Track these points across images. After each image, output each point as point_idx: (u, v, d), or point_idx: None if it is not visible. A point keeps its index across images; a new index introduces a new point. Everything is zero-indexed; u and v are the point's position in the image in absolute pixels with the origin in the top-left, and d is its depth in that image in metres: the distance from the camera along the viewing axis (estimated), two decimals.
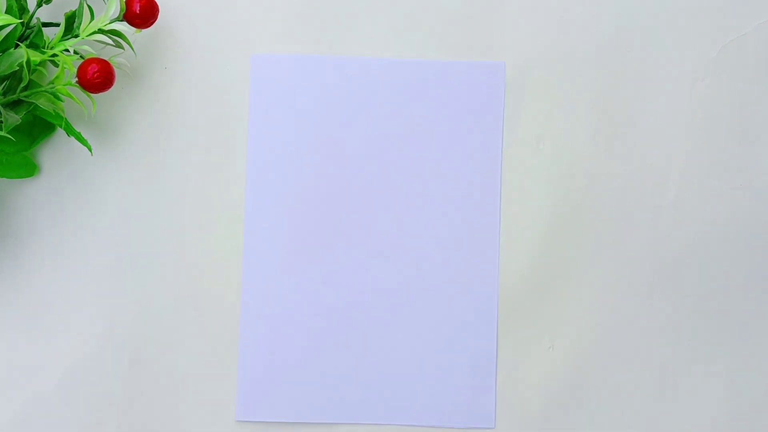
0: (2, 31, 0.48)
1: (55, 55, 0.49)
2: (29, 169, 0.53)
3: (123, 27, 0.50)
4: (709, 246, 0.55)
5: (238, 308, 0.54)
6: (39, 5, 0.51)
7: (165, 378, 0.54)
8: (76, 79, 0.49)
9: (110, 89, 0.49)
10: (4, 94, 0.48)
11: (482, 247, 0.55)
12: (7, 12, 0.48)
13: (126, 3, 0.50)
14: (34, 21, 0.50)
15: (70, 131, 0.50)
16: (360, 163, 0.55)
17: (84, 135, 0.52)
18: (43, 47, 0.49)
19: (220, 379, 0.54)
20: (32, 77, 0.49)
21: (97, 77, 0.49)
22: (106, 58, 0.49)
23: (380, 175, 0.55)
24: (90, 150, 0.51)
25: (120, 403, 0.54)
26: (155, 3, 0.51)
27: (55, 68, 0.51)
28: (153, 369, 0.54)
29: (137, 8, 0.50)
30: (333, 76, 0.55)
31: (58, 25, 0.51)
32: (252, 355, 0.54)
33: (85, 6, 0.49)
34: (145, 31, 0.52)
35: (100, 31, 0.50)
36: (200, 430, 0.54)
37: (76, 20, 0.50)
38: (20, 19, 0.49)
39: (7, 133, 0.48)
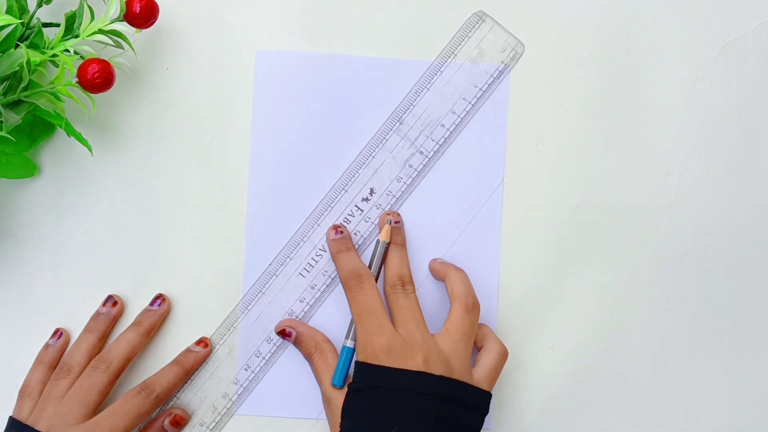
0: (2, 31, 0.48)
1: (55, 55, 0.49)
2: (29, 169, 0.53)
3: (123, 27, 0.50)
4: (709, 246, 0.55)
5: (240, 307, 0.54)
6: (39, 5, 0.51)
7: None
8: (76, 79, 0.49)
9: (110, 89, 0.49)
10: (5, 94, 0.48)
11: (483, 247, 0.55)
12: (7, 12, 0.48)
13: (126, 3, 0.50)
14: (34, 21, 0.50)
15: (70, 131, 0.50)
16: (362, 160, 0.55)
17: (84, 135, 0.52)
18: (43, 47, 0.49)
19: (221, 378, 0.54)
20: (32, 77, 0.49)
21: (97, 77, 0.48)
22: (106, 58, 0.49)
23: (382, 172, 0.55)
24: (90, 150, 0.51)
25: None
26: (155, 3, 0.51)
27: (55, 68, 0.51)
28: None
29: (137, 8, 0.50)
30: (336, 73, 0.55)
31: (58, 25, 0.51)
32: (253, 354, 0.54)
33: (85, 6, 0.49)
34: (145, 31, 0.52)
35: (101, 31, 0.50)
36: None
37: (76, 20, 0.49)
38: (20, 19, 0.49)
39: (7, 133, 0.48)
